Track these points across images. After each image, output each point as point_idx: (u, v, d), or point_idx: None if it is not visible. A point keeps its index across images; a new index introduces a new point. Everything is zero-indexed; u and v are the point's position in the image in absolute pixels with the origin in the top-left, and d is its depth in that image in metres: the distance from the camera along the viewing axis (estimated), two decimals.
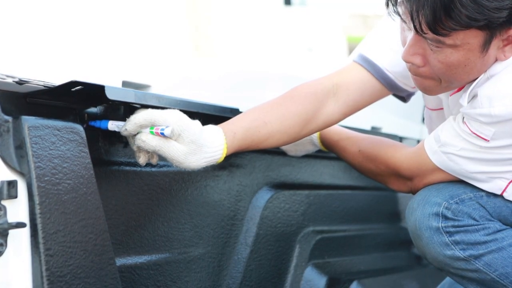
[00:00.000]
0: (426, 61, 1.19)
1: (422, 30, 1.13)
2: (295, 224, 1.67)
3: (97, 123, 1.18)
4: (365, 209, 1.95)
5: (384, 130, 2.06)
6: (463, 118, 1.23)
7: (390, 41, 1.38)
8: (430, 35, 1.13)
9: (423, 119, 2.37)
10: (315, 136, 1.49)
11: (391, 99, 2.20)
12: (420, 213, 1.28)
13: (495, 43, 1.16)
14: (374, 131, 2.00)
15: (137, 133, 1.16)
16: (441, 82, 1.22)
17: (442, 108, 1.39)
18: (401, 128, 1.85)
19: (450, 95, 1.29)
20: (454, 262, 1.27)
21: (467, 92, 1.22)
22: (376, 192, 2.02)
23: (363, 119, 2.00)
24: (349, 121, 1.69)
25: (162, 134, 1.14)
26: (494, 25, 1.11)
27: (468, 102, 1.22)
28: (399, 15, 1.17)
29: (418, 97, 2.36)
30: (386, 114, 2.11)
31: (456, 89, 1.26)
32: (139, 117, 1.15)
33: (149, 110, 1.17)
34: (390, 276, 1.87)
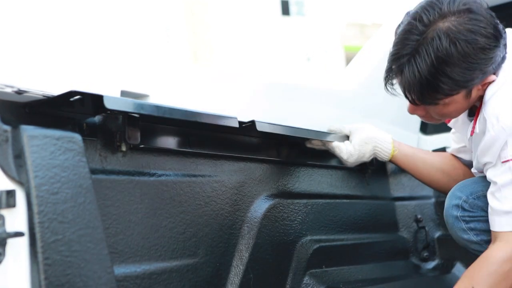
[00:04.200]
0: (426, 112, 1.49)
1: (415, 103, 1.43)
2: (293, 233, 1.67)
3: None
4: (363, 218, 1.95)
5: None
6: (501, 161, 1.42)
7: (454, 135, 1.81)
8: (421, 105, 1.44)
9: (421, 128, 2.38)
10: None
11: (388, 108, 2.21)
12: (448, 203, 1.62)
13: (475, 90, 1.42)
14: None
15: None
16: (442, 119, 1.55)
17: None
18: (399, 138, 1.86)
19: (471, 135, 1.53)
20: (470, 244, 1.58)
21: (476, 127, 1.49)
22: (373, 201, 2.02)
23: None
24: None
25: None
26: (468, 87, 1.40)
27: (479, 131, 1.46)
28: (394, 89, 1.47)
29: None
30: (383, 124, 2.12)
31: (472, 128, 1.51)
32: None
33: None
34: (387, 285, 1.87)
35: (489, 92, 1.42)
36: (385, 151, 1.78)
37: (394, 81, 1.44)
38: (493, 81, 1.41)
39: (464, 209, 1.59)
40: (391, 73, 1.43)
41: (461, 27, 1.33)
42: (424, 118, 1.53)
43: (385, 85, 1.45)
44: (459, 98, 1.41)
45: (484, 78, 1.40)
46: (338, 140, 1.75)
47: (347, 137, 1.80)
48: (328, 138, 1.73)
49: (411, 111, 1.50)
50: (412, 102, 1.44)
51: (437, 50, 1.33)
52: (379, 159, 1.81)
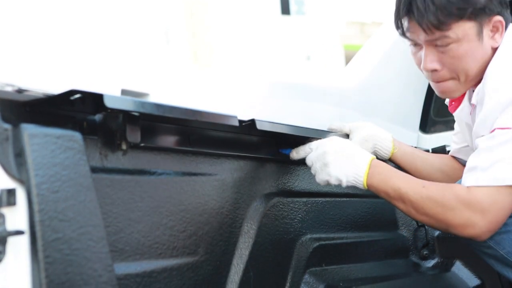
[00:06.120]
0: (442, 64, 1.50)
1: (430, 30, 1.45)
2: (293, 232, 1.68)
3: (286, 151, 1.64)
4: (362, 216, 1.96)
5: None
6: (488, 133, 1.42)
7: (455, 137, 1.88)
8: (436, 34, 1.46)
9: (420, 127, 2.39)
10: (365, 167, 1.52)
11: (388, 107, 2.21)
12: None
13: (486, 32, 1.48)
14: None
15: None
16: (459, 78, 1.52)
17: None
18: (398, 136, 1.86)
19: (470, 114, 1.57)
20: None
21: (474, 98, 1.51)
22: (373, 199, 2.02)
23: None
24: None
25: None
26: (478, 13, 1.45)
27: (476, 102, 1.49)
28: (407, 34, 1.51)
29: (414, 105, 2.38)
30: (383, 122, 2.12)
31: (472, 107, 1.56)
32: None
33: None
34: (387, 283, 1.88)
35: (490, 68, 1.47)
36: (385, 149, 1.78)
37: (405, 24, 1.49)
38: (500, 26, 1.48)
39: None
40: (400, 11, 1.49)
41: None
42: (440, 76, 1.52)
43: (397, 28, 1.52)
44: (471, 34, 1.46)
45: (491, 16, 1.46)
46: None
47: (347, 136, 1.80)
48: (329, 136, 1.73)
49: (427, 62, 1.50)
50: (427, 29, 1.45)
51: None
52: (379, 157, 1.81)
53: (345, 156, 1.51)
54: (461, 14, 1.43)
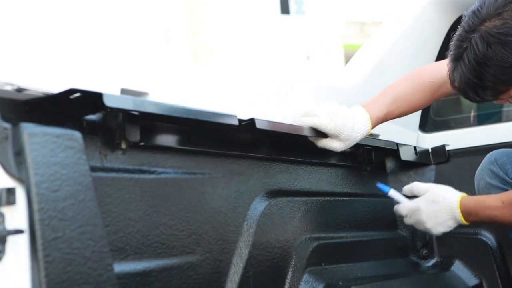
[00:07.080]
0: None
1: (477, 101, 1.56)
2: (293, 231, 1.68)
3: (382, 187, 1.82)
4: (362, 216, 1.96)
5: (381, 137, 2.07)
6: None
7: None
8: (499, 97, 1.51)
9: (420, 126, 2.39)
10: (457, 212, 1.70)
11: None
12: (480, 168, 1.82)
13: None
14: (372, 138, 2.00)
15: None
16: None
17: None
18: (398, 136, 1.86)
19: None
20: (491, 188, 1.74)
21: None
22: (373, 199, 2.03)
23: None
24: None
25: None
26: None
27: None
28: None
29: None
30: None
31: None
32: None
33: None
34: (386, 282, 1.88)
35: None
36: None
37: None
38: None
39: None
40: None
41: (495, 30, 1.42)
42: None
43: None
44: None
45: None
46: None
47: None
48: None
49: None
50: (475, 101, 1.56)
51: (475, 54, 1.43)
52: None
53: (438, 221, 1.72)
54: (504, 91, 1.47)
